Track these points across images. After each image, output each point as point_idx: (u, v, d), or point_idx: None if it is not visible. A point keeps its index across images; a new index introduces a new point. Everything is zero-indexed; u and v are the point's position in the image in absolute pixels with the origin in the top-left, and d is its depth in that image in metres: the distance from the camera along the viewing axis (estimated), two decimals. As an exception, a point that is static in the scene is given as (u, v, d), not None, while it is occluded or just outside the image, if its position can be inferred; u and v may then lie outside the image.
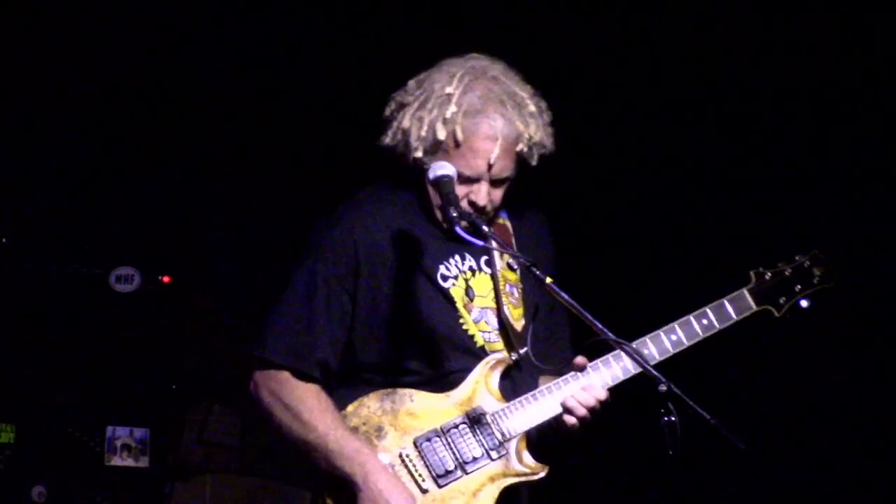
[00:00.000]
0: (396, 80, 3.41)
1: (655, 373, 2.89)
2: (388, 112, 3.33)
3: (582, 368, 3.21)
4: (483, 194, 3.24)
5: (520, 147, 3.24)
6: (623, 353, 3.16)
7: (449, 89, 3.22)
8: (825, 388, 5.25)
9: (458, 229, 3.08)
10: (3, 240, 5.61)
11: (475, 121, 3.20)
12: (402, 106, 3.29)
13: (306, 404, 3.20)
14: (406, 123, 3.24)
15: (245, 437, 6.06)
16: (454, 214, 3.09)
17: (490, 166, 3.21)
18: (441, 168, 3.18)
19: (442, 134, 3.19)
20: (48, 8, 5.51)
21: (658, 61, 5.39)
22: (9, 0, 5.46)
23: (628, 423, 3.72)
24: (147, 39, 5.65)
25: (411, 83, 3.32)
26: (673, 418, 2.79)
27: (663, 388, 2.82)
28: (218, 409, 6.04)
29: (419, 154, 3.22)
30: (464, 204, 3.24)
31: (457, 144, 3.20)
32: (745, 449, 2.78)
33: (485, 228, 3.15)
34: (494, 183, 3.24)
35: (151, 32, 5.64)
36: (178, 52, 5.69)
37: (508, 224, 3.45)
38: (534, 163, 3.29)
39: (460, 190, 3.22)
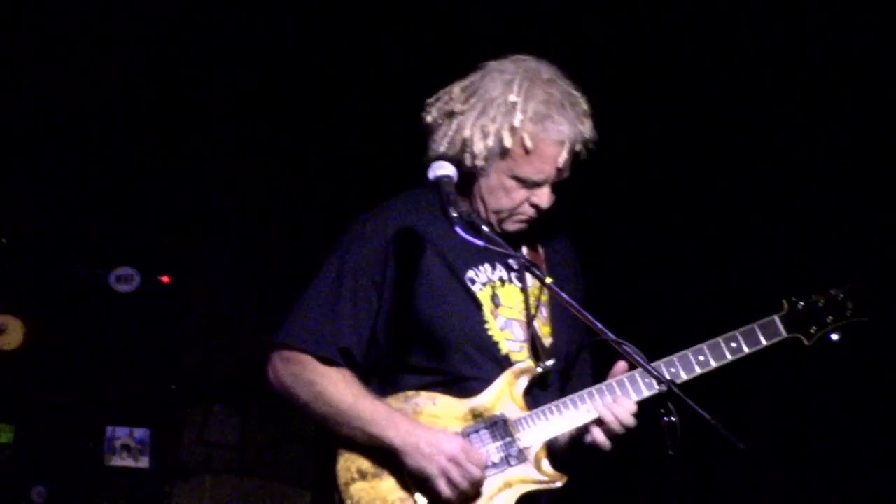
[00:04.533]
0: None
1: (656, 373, 2.90)
2: (430, 119, 3.31)
3: (621, 373, 3.21)
4: (547, 197, 3.26)
5: (578, 147, 3.26)
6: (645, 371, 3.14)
7: (512, 97, 3.20)
8: (826, 388, 5.25)
9: (457, 229, 3.07)
10: (3, 240, 5.61)
11: (543, 126, 3.19)
12: (451, 114, 3.27)
13: (330, 379, 3.17)
14: (467, 133, 3.22)
15: (245, 437, 6.07)
16: (454, 215, 3.08)
17: (557, 170, 3.23)
18: (441, 168, 3.17)
19: (509, 142, 3.19)
20: (48, 8, 5.51)
21: (694, 80, 5.34)
22: (10, 0, 5.46)
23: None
24: (147, 40, 5.65)
25: (456, 90, 3.29)
26: (673, 418, 2.79)
27: (663, 388, 2.82)
28: (218, 409, 6.04)
29: (481, 162, 3.22)
30: (524, 208, 3.26)
31: (526, 152, 3.20)
32: (746, 449, 2.78)
33: (485, 229, 3.14)
34: (554, 185, 3.27)
35: (151, 33, 5.64)
36: (179, 53, 5.69)
37: (540, 249, 3.44)
38: (583, 158, 3.30)
39: (522, 194, 3.24)
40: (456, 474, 3.07)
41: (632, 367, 3.20)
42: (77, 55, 5.61)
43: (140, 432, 5.63)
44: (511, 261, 3.33)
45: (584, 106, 3.25)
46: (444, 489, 3.07)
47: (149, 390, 5.68)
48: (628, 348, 2.98)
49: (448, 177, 3.15)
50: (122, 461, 5.60)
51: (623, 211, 5.55)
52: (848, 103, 5.10)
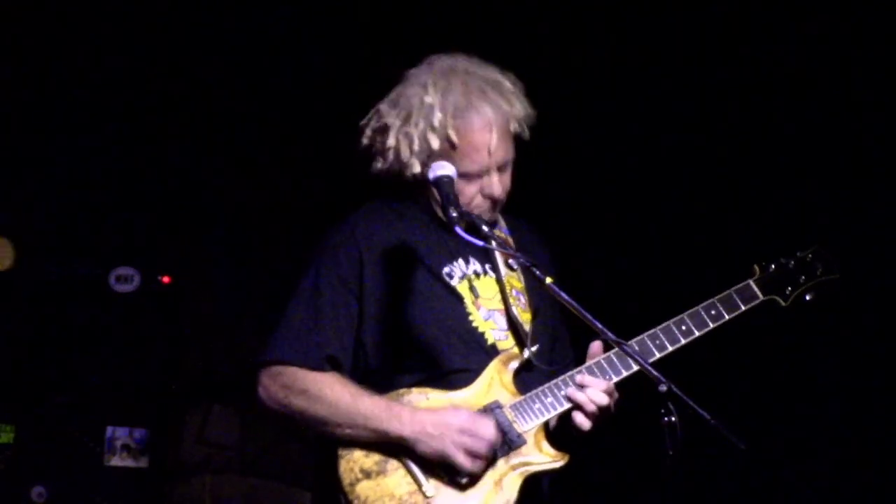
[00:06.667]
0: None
1: (655, 373, 2.90)
2: (366, 141, 3.34)
3: (598, 354, 3.25)
4: (496, 185, 3.28)
5: (512, 127, 3.28)
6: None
7: (428, 98, 3.23)
8: (826, 387, 5.25)
9: (457, 230, 3.09)
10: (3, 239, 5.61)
11: (464, 118, 3.22)
12: (384, 130, 3.29)
13: (325, 383, 3.18)
14: (392, 143, 3.26)
15: (245, 437, 6.06)
16: (454, 215, 3.10)
17: (491, 155, 3.23)
18: (441, 168, 3.19)
19: (436, 143, 3.22)
20: (49, 8, 5.51)
21: (659, 57, 5.38)
22: (11, 0, 5.47)
23: (628, 423, 3.72)
24: (147, 39, 5.65)
25: (383, 106, 3.33)
26: (673, 418, 2.79)
27: (663, 387, 2.83)
28: (218, 409, 6.04)
29: (417, 169, 3.24)
30: (478, 201, 3.27)
31: (454, 147, 3.22)
32: (746, 449, 2.78)
33: (485, 229, 3.16)
34: (500, 169, 3.27)
35: (151, 32, 5.64)
36: (179, 52, 5.70)
37: (510, 239, 3.46)
38: (526, 136, 3.32)
39: (471, 188, 3.26)
40: (471, 443, 3.09)
41: (607, 348, 3.24)
42: (77, 55, 5.61)
43: (140, 432, 5.63)
44: (511, 261, 3.36)
45: (509, 86, 3.29)
46: (465, 462, 3.09)
47: (149, 390, 5.68)
48: (628, 348, 3.00)
49: (448, 177, 3.18)
50: (121, 461, 5.59)
51: (586, 190, 5.57)
52: (800, 70, 5.14)
